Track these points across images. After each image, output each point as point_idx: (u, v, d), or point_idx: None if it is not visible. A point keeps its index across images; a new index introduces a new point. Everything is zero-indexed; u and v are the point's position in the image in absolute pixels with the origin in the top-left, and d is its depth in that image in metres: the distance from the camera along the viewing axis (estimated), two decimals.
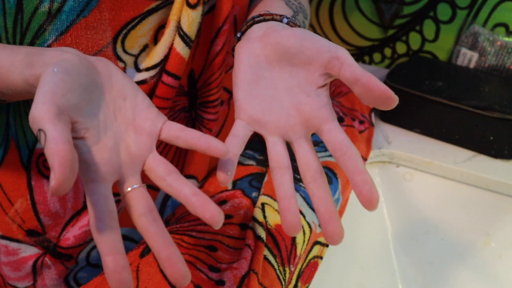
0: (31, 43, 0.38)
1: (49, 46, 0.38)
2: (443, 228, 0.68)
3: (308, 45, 0.34)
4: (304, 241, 0.47)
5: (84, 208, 0.47)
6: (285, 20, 0.39)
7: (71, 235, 0.46)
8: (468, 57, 0.81)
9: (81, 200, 0.46)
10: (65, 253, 0.47)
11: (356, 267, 0.66)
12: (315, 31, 0.98)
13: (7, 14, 0.37)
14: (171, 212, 0.53)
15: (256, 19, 0.40)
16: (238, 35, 0.41)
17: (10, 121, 0.43)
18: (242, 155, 0.59)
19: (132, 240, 0.51)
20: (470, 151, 0.70)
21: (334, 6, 0.94)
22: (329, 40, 0.99)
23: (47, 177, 0.44)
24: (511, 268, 0.64)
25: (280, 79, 0.36)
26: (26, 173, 0.44)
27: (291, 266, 0.45)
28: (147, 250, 0.43)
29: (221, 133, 0.56)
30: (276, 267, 0.43)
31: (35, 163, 0.43)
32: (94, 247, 0.49)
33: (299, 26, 0.40)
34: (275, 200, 0.49)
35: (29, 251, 0.47)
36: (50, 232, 0.46)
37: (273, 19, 0.39)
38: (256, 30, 0.38)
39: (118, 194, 0.46)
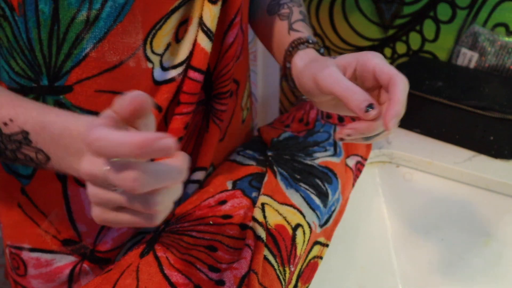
0: (69, 53, 0.38)
1: (86, 54, 0.39)
2: (443, 228, 0.68)
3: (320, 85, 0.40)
4: (304, 241, 0.47)
5: None
6: (307, 44, 0.47)
7: (109, 239, 0.47)
8: (468, 57, 0.81)
9: None
10: (104, 257, 0.48)
11: (356, 267, 0.66)
12: (315, 31, 0.98)
13: (42, 26, 0.36)
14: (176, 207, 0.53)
15: (288, 58, 0.47)
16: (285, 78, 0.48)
17: None
18: (242, 155, 0.59)
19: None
20: (470, 151, 0.70)
21: (334, 6, 0.93)
22: (329, 40, 0.98)
23: (83, 185, 0.45)
24: (511, 268, 0.64)
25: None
26: (61, 184, 0.44)
27: (291, 266, 0.45)
28: (147, 250, 0.43)
29: (231, 124, 0.56)
30: (276, 267, 0.43)
31: None
32: (130, 248, 0.49)
33: (316, 44, 0.48)
34: (275, 200, 0.49)
35: (64, 260, 0.47)
36: (86, 239, 0.47)
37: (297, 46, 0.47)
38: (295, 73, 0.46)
39: None
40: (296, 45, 0.47)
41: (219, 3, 0.43)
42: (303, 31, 0.49)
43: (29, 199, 0.45)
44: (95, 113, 0.42)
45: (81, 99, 0.41)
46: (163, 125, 0.47)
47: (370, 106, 0.36)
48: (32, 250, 0.47)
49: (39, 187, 0.44)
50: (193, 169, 0.53)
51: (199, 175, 0.53)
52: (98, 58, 0.39)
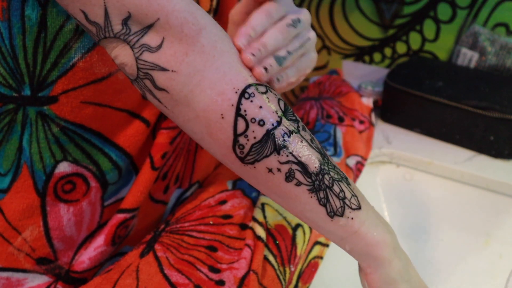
0: (55, 62, 0.37)
1: (74, 64, 0.38)
2: (443, 228, 0.68)
3: None
4: (304, 241, 0.47)
5: (98, 228, 0.46)
6: None
7: (85, 258, 0.45)
8: (468, 57, 0.81)
9: (96, 220, 0.45)
10: (80, 278, 0.45)
11: (357, 267, 0.66)
12: (315, 31, 0.98)
13: (27, 33, 0.35)
14: None
15: None
16: None
17: (23, 146, 0.41)
18: None
19: None
20: (470, 151, 0.70)
21: (334, 6, 0.93)
22: (329, 39, 0.98)
23: (64, 201, 0.43)
24: (511, 268, 0.64)
25: None
26: (40, 199, 0.42)
27: (291, 266, 0.45)
28: (147, 250, 0.43)
29: None
30: (276, 267, 0.43)
31: (52, 188, 0.42)
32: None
33: None
34: None
35: (37, 281, 0.44)
36: (62, 258, 0.45)
37: None
38: None
39: (133, 210, 0.46)
40: None
41: (211, 15, 0.42)
42: None
43: (2, 214, 0.42)
44: (79, 125, 0.41)
45: (66, 110, 0.40)
46: (150, 140, 0.46)
47: None
48: (2, 269, 0.43)
49: (14, 202, 0.42)
50: (188, 186, 0.53)
51: (193, 189, 0.53)
52: (86, 69, 0.38)
